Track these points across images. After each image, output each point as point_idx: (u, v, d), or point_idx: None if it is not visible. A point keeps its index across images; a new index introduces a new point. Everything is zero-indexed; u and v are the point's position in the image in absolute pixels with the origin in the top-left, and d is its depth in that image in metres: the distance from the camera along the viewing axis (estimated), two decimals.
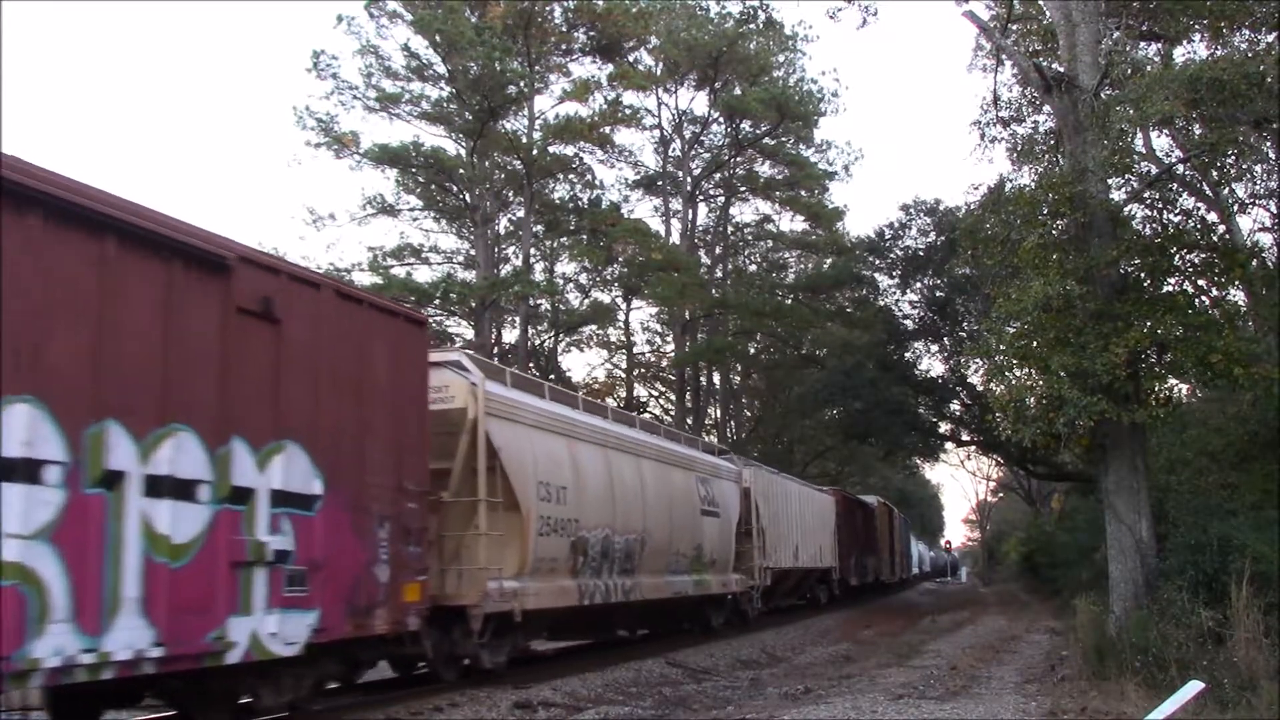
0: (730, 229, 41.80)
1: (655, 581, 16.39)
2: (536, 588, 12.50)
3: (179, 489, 7.36)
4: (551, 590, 12.93)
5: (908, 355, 33.36)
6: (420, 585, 10.18)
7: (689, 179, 37.43)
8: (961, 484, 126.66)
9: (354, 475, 9.24)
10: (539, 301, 34.28)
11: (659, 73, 34.90)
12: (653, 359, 43.57)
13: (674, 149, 37.10)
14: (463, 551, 11.40)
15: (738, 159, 38.45)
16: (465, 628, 11.24)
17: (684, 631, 19.32)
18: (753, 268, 43.81)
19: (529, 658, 15.07)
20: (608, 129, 34.30)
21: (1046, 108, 16.79)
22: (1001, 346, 14.40)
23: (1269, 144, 16.41)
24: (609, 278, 37.68)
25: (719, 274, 40.65)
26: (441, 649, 11.23)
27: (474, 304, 30.75)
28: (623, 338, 40.91)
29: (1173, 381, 14.84)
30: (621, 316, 39.58)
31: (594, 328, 39.22)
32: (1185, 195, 17.67)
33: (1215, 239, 15.56)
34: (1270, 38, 16.26)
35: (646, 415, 40.01)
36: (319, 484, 8.76)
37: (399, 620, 9.77)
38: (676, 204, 37.66)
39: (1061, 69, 14.84)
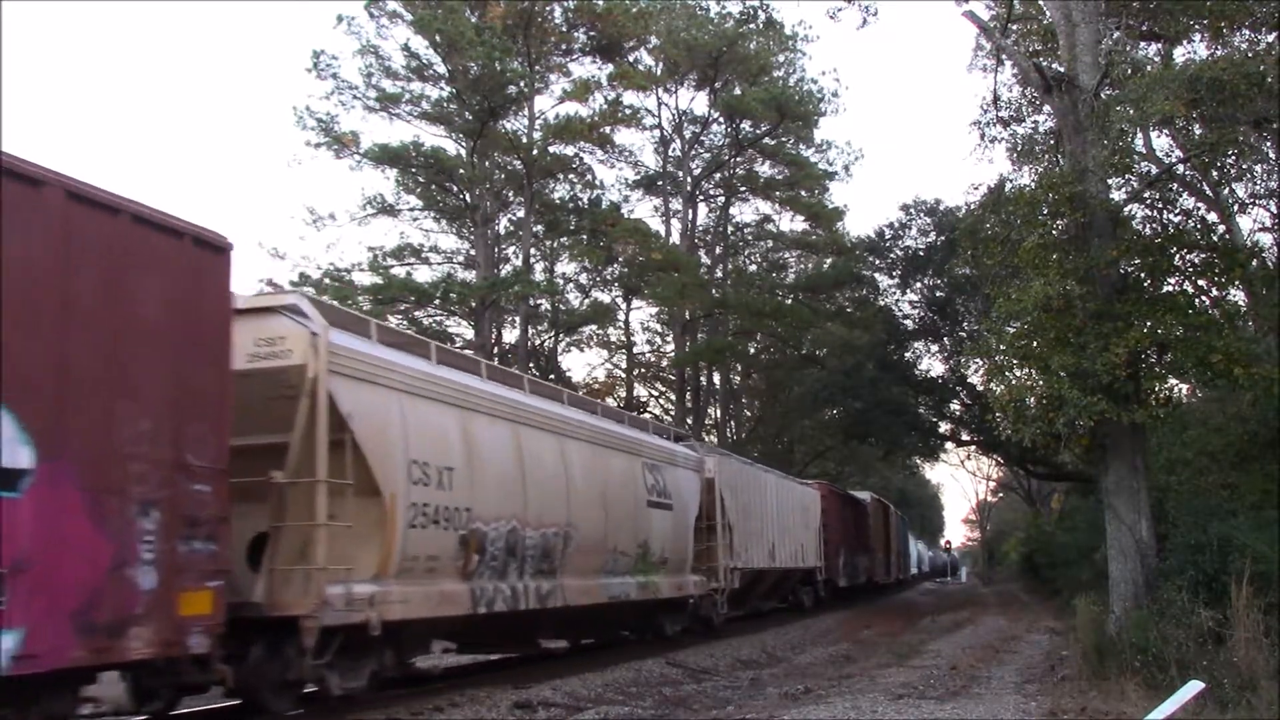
0: (730, 229, 41.82)
1: (585, 584, 13.94)
2: (406, 593, 10.10)
3: None
4: (430, 596, 10.52)
5: (908, 355, 33.39)
6: (212, 594, 7.75)
7: (689, 179, 37.44)
8: (961, 484, 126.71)
9: (94, 444, 6.88)
10: (539, 301, 34.29)
11: (659, 73, 34.91)
12: (653, 359, 43.61)
13: (674, 149, 37.12)
14: (310, 547, 9.03)
15: (738, 159, 38.45)
16: (299, 645, 8.82)
17: (631, 642, 17.35)
18: (753, 268, 43.83)
19: (527, 657, 15.07)
20: (608, 129, 34.32)
21: (1046, 108, 16.79)
22: (1001, 346, 14.40)
23: (1269, 144, 16.41)
24: (609, 278, 37.70)
25: (719, 274, 40.65)
26: (266, 672, 8.88)
27: (474, 304, 30.75)
28: (623, 338, 40.96)
29: (1173, 381, 14.85)
30: (621, 316, 39.64)
31: (594, 328, 39.24)
32: (1185, 195, 17.70)
33: (1215, 239, 15.57)
34: (1270, 38, 16.26)
35: (647, 415, 40.08)
36: (27, 454, 6.40)
37: (172, 640, 7.39)
38: (676, 204, 37.68)
39: (1061, 69, 14.83)
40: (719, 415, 44.59)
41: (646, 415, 39.79)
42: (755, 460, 28.18)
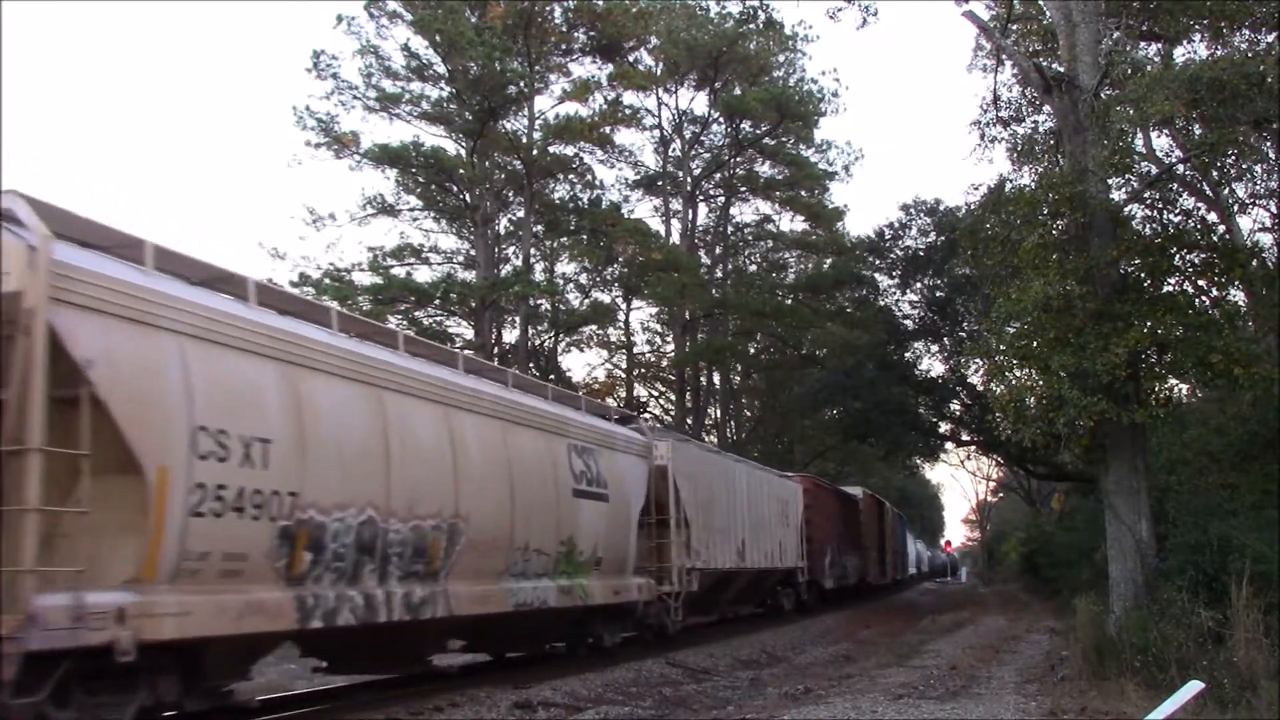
0: (730, 229, 41.83)
1: (481, 589, 11.36)
2: (188, 603, 7.57)
3: None
4: (228, 607, 7.97)
5: (908, 355, 33.38)
6: None
7: (689, 179, 37.44)
8: (961, 484, 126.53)
9: None
10: (539, 301, 34.29)
11: (659, 73, 34.92)
12: (653, 359, 43.61)
13: (674, 149, 37.12)
14: (17, 542, 6.52)
15: (738, 159, 38.46)
16: None
17: (559, 656, 14.93)
18: (753, 268, 43.83)
19: (528, 658, 15.06)
20: (608, 129, 34.33)
21: (1046, 108, 16.80)
22: (1001, 346, 14.42)
23: (1269, 144, 16.42)
24: (609, 278, 37.69)
25: (719, 274, 40.66)
26: None
27: (474, 304, 30.76)
28: (623, 338, 40.95)
29: (1173, 381, 14.86)
30: (621, 316, 39.62)
31: (594, 328, 39.23)
32: (1185, 195, 17.71)
33: (1215, 239, 15.58)
34: (1270, 38, 16.27)
35: (647, 416, 40.07)
36: None
37: None
38: (676, 204, 37.69)
39: (1061, 69, 14.84)
40: (719, 415, 44.60)
41: (648, 416, 39.85)
42: (755, 458, 27.91)
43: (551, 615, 13.33)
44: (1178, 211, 15.67)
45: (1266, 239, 19.94)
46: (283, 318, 9.21)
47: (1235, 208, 19.85)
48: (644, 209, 38.40)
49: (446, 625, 11.47)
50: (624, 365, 41.90)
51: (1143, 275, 14.23)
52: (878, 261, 33.64)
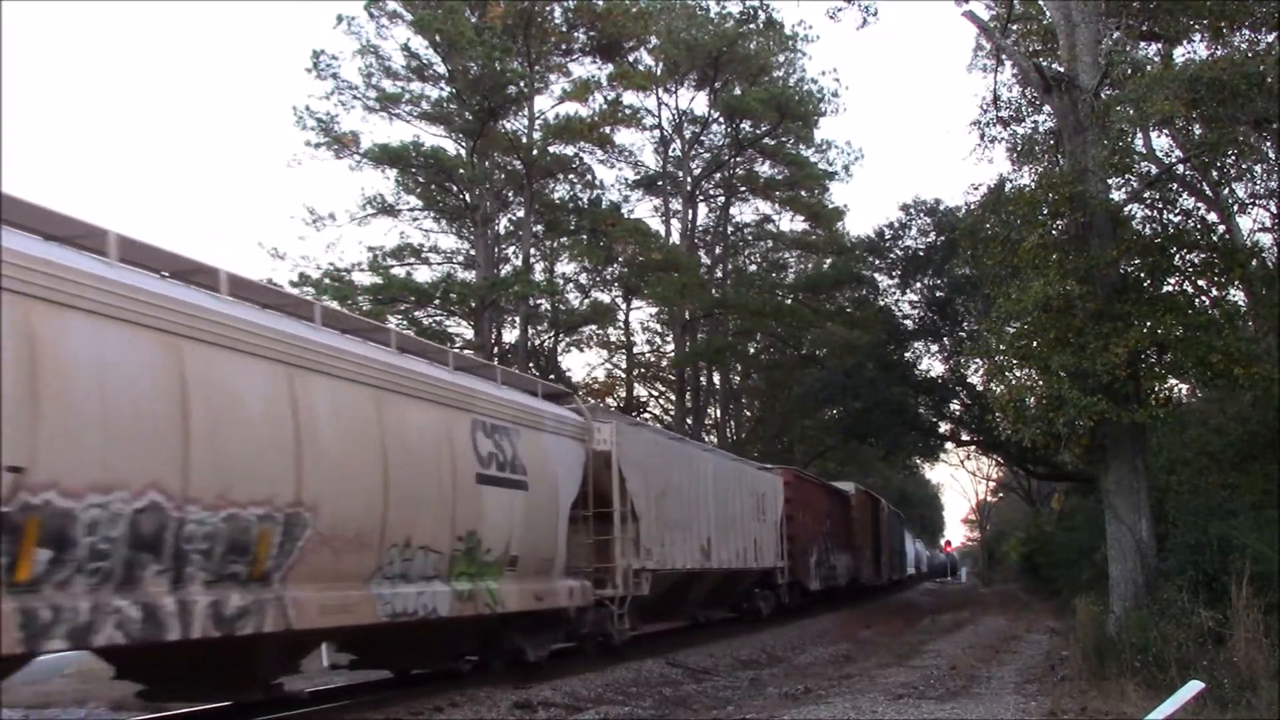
0: (730, 229, 41.83)
1: (338, 596, 9.29)
2: None
3: None
4: None
5: (908, 355, 33.39)
6: None
7: (689, 179, 37.45)
8: (961, 484, 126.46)
9: None
10: (539, 301, 34.29)
11: (659, 73, 34.91)
12: (653, 359, 43.59)
13: (674, 149, 37.12)
14: None
15: (738, 159, 38.46)
16: None
17: (455, 675, 12.49)
18: (753, 268, 43.83)
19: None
20: (608, 129, 34.31)
21: (1046, 108, 16.80)
22: (1001, 346, 14.42)
23: (1269, 144, 16.41)
24: (609, 278, 37.68)
25: (719, 274, 40.65)
26: None
27: (474, 304, 30.75)
28: (623, 338, 40.93)
29: (1173, 381, 14.88)
30: (621, 316, 39.62)
31: (594, 328, 39.23)
32: (1185, 195, 17.70)
33: (1215, 239, 15.59)
34: (1270, 38, 16.27)
35: (647, 416, 40.06)
36: None
37: None
38: (676, 204, 37.68)
39: (1061, 69, 14.84)
40: (719, 415, 44.60)
41: (648, 415, 39.82)
42: (755, 458, 27.59)
43: (450, 626, 11.21)
44: (1178, 211, 15.68)
45: (1266, 239, 19.95)
46: (21, 235, 7.02)
47: (1235, 208, 19.83)
48: (644, 209, 38.44)
49: (294, 640, 9.34)
50: (624, 365, 41.92)
51: (1143, 275, 14.24)
52: (878, 261, 33.65)
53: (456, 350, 15.63)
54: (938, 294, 31.77)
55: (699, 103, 36.89)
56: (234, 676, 9.07)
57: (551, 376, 33.79)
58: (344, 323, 10.69)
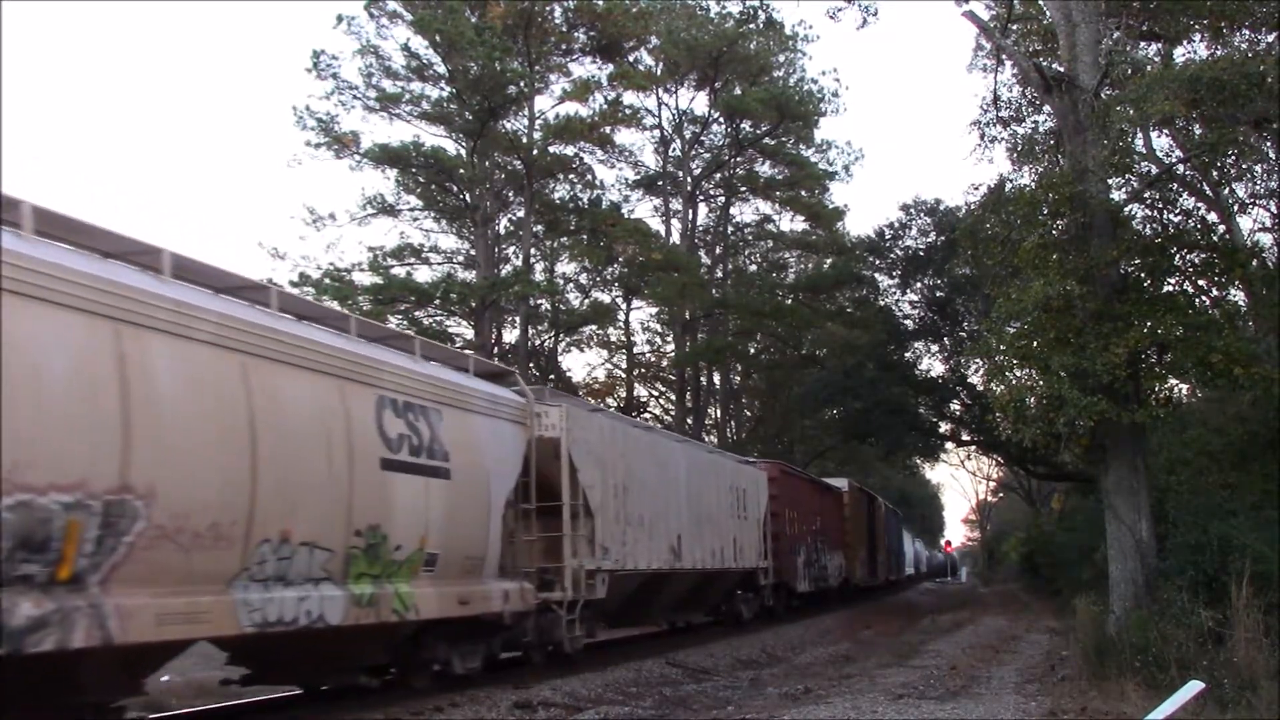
0: (730, 229, 41.82)
1: (184, 603, 7.70)
2: None
3: None
4: None
5: (908, 355, 33.41)
6: None
7: (689, 179, 37.44)
8: (961, 484, 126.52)
9: None
10: (539, 301, 34.29)
11: (659, 73, 34.91)
12: (653, 359, 43.60)
13: (674, 149, 37.11)
14: None
15: (738, 159, 38.45)
16: None
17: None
18: (753, 268, 43.83)
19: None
20: (608, 129, 34.29)
21: (1046, 108, 16.82)
22: (1001, 346, 14.42)
23: (1269, 144, 16.43)
24: (609, 278, 37.69)
25: (719, 274, 40.64)
26: None
27: (474, 304, 30.74)
28: (623, 338, 40.93)
29: (1173, 381, 14.88)
30: (621, 316, 39.62)
31: (594, 328, 39.23)
32: (1185, 195, 17.71)
33: (1215, 239, 15.60)
34: (1270, 38, 16.29)
35: (647, 416, 40.05)
36: None
37: None
38: (676, 204, 37.67)
39: (1061, 69, 14.85)
40: (719, 415, 44.59)
41: (648, 415, 39.81)
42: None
43: (352, 635, 9.63)
44: (1178, 211, 15.69)
45: (1266, 239, 19.97)
46: None
47: (1235, 208, 19.86)
48: (644, 209, 38.44)
49: (129, 655, 7.68)
50: (624, 365, 41.93)
51: (1143, 275, 14.25)
52: (878, 261, 33.67)
53: (423, 336, 13.96)
54: (938, 294, 31.79)
55: (699, 103, 36.95)
56: (46, 698, 7.41)
57: (552, 376, 33.84)
58: (205, 278, 8.76)
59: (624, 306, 39.06)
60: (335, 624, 9.08)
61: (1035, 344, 13.52)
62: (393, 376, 10.29)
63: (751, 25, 34.52)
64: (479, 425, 11.69)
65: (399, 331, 12.70)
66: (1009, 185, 17.49)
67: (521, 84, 29.05)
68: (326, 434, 9.22)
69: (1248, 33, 16.88)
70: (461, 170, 29.43)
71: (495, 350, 32.03)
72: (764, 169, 39.75)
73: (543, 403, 13.51)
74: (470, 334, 32.45)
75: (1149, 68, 15.78)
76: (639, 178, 37.95)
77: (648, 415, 40.35)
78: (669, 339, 40.46)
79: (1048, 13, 17.33)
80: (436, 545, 10.58)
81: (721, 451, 24.08)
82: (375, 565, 9.74)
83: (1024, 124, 19.17)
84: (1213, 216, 18.40)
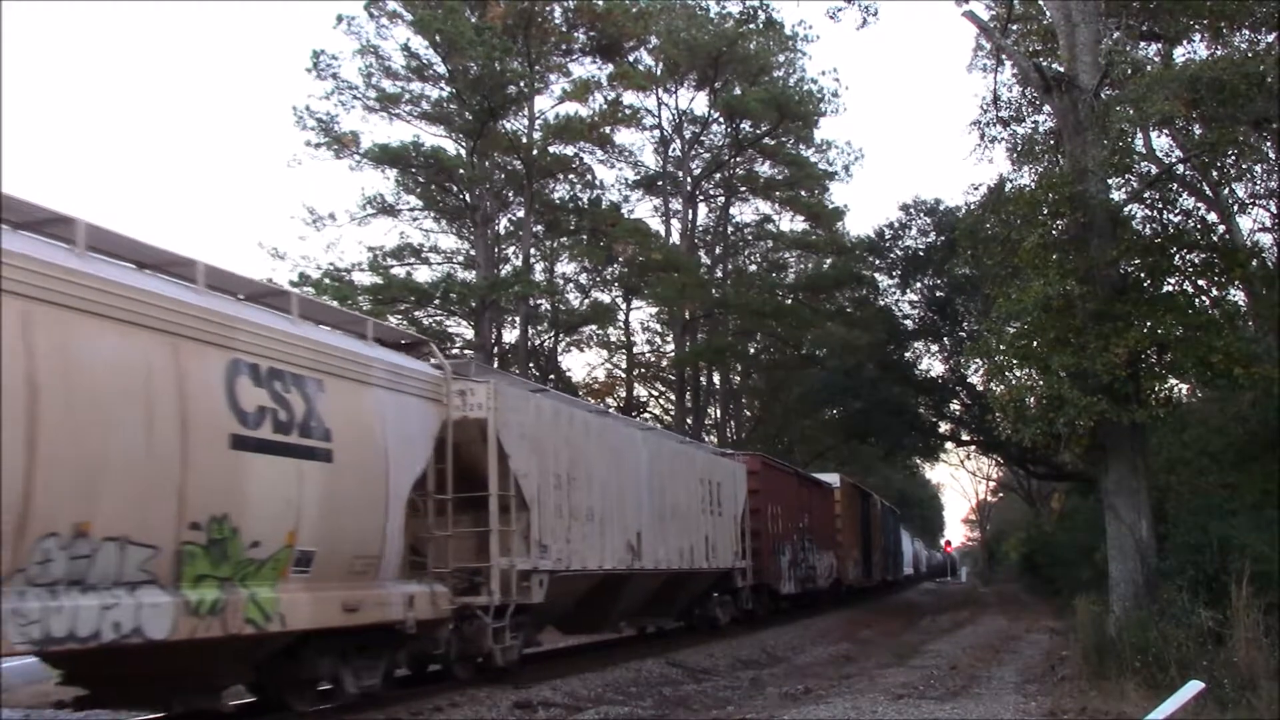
0: (730, 229, 41.83)
1: None
2: None
3: None
4: None
5: (908, 355, 33.42)
6: None
7: (689, 179, 37.45)
8: (961, 484, 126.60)
9: None
10: (539, 301, 34.29)
11: (659, 73, 34.92)
12: (653, 359, 43.59)
13: (674, 149, 37.11)
14: None
15: (738, 159, 38.46)
16: None
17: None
18: (753, 268, 43.81)
19: (527, 657, 15.05)
20: (608, 129, 34.33)
21: (1046, 108, 16.82)
22: (1001, 346, 14.43)
23: (1269, 144, 16.44)
24: (609, 278, 37.69)
25: (719, 274, 40.64)
26: None
27: (474, 304, 30.75)
28: (623, 338, 40.93)
29: (1173, 381, 14.89)
30: (621, 316, 39.62)
31: (594, 328, 39.23)
32: (1185, 195, 17.74)
33: (1215, 239, 15.62)
34: (1270, 38, 16.30)
35: (647, 416, 40.03)
36: None
37: None
38: (676, 204, 37.68)
39: (1061, 69, 14.86)
40: (719, 415, 44.59)
41: (648, 415, 39.75)
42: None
43: (195, 651, 8.03)
44: (1178, 211, 15.70)
45: (1266, 239, 20.01)
46: None
47: (1235, 208, 19.88)
48: (644, 209, 38.45)
49: None
50: (624, 365, 41.92)
51: (1143, 275, 14.25)
52: (878, 261, 33.67)
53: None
54: (938, 294, 31.79)
55: (699, 103, 36.96)
56: None
57: (552, 377, 33.83)
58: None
59: (624, 306, 39.08)
60: (160, 638, 7.42)
61: (1035, 344, 13.52)
62: (253, 337, 8.56)
63: (751, 25, 34.52)
64: (377, 400, 10.03)
65: (272, 286, 10.42)
66: (1009, 185, 17.51)
67: (521, 84, 29.06)
68: (147, 402, 7.49)
69: (1248, 33, 16.90)
70: (461, 170, 29.43)
71: (495, 350, 32.04)
72: (764, 169, 39.78)
73: (466, 378, 11.78)
74: (470, 334, 32.47)
75: (1149, 68, 15.78)
76: (639, 178, 37.98)
77: (648, 415, 40.35)
78: (669, 339, 40.46)
79: (1048, 13, 17.33)
80: (312, 541, 8.86)
81: (694, 441, 22.32)
82: (222, 565, 8.09)
83: (1024, 124, 19.18)
84: (1213, 216, 18.43)
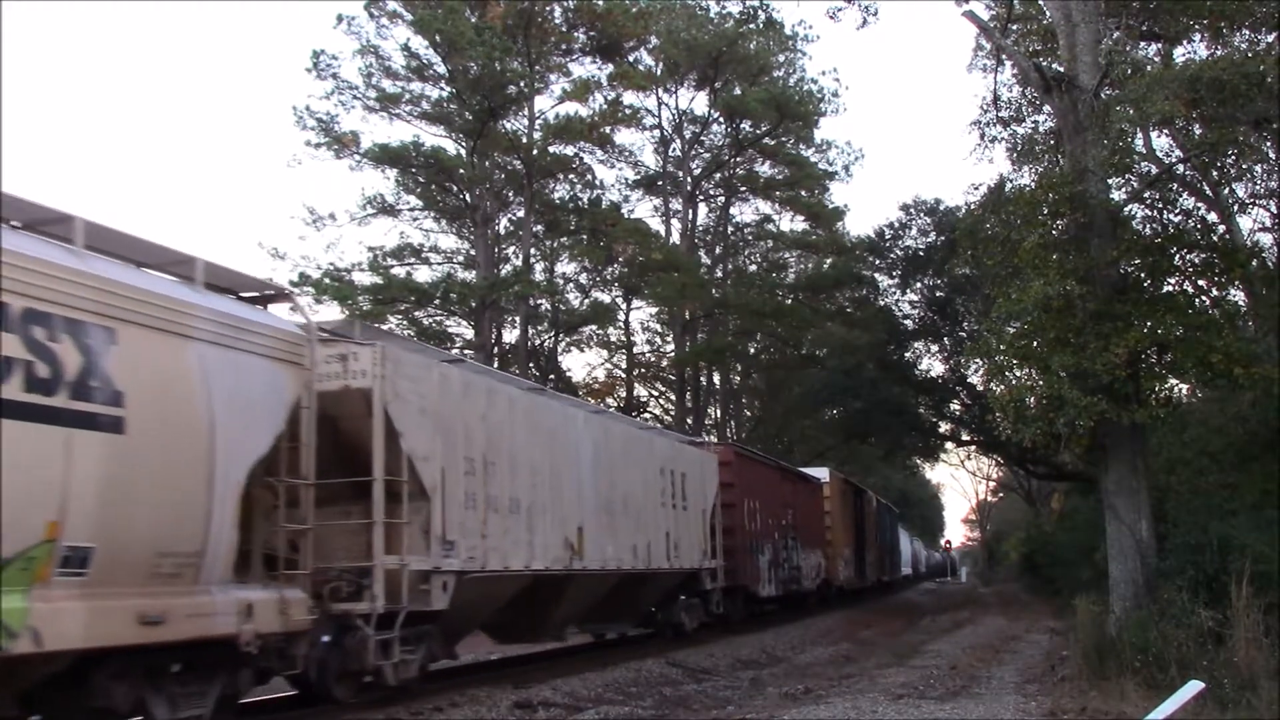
0: (730, 229, 41.86)
1: None
2: None
3: None
4: None
5: (908, 355, 33.42)
6: None
7: (689, 179, 37.46)
8: (961, 484, 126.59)
9: None
10: (539, 301, 34.30)
11: (659, 73, 34.95)
12: (653, 359, 43.60)
13: (674, 149, 37.13)
14: None
15: (738, 159, 38.48)
16: None
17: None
18: (753, 268, 43.83)
19: (528, 657, 15.04)
20: (608, 129, 34.36)
21: (1046, 108, 16.82)
22: (1001, 346, 14.43)
23: (1269, 144, 16.43)
24: (609, 278, 37.71)
25: (719, 274, 40.66)
26: None
27: (474, 304, 30.76)
28: (623, 338, 40.93)
29: (1173, 381, 14.88)
30: (621, 316, 39.63)
31: (594, 328, 39.23)
32: (1185, 195, 17.73)
33: (1215, 239, 15.61)
34: (1270, 38, 16.30)
35: (647, 416, 39.99)
36: None
37: None
38: (676, 204, 37.69)
39: (1061, 69, 14.86)
40: (719, 415, 44.60)
41: (648, 415, 39.73)
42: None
43: None
44: (1178, 211, 15.70)
45: (1266, 239, 20.00)
46: None
47: (1235, 208, 19.88)
48: (644, 209, 38.47)
49: None
50: (624, 365, 41.92)
51: (1143, 275, 14.25)
52: (878, 261, 33.68)
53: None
54: (938, 294, 31.79)
55: (699, 103, 36.98)
56: None
57: (552, 377, 33.83)
58: None
59: (624, 306, 39.09)
60: None
61: (1035, 344, 13.52)
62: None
63: (751, 25, 34.54)
64: (199, 358, 7.96)
65: (53, 211, 7.58)
66: (1009, 185, 17.52)
67: (521, 84, 29.08)
68: None
69: (1248, 33, 16.89)
70: (461, 170, 29.45)
71: (495, 350, 32.05)
72: (764, 169, 39.80)
73: (346, 340, 10.16)
74: (470, 334, 32.48)
75: (1149, 68, 15.77)
76: (639, 178, 38.01)
77: (648, 415, 40.33)
78: (669, 339, 40.47)
79: (1048, 13, 17.33)
80: (88, 535, 6.95)
81: (657, 428, 20.57)
82: None
83: (1024, 124, 19.19)
84: (1213, 216, 18.43)
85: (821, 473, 30.36)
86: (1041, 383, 13.45)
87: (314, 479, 9.05)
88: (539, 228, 33.31)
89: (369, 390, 9.78)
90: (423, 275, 33.03)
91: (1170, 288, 14.68)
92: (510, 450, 12.10)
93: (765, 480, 23.41)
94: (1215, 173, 18.34)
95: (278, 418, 8.73)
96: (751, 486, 21.89)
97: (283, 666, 9.00)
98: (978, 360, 21.93)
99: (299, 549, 8.97)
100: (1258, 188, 19.30)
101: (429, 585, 10.30)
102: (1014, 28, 18.62)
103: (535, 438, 12.80)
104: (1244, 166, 17.04)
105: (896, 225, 32.56)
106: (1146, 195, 15.28)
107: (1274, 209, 19.90)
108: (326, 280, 28.55)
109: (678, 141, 37.05)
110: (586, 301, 37.81)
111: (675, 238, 36.57)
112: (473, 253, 33.71)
